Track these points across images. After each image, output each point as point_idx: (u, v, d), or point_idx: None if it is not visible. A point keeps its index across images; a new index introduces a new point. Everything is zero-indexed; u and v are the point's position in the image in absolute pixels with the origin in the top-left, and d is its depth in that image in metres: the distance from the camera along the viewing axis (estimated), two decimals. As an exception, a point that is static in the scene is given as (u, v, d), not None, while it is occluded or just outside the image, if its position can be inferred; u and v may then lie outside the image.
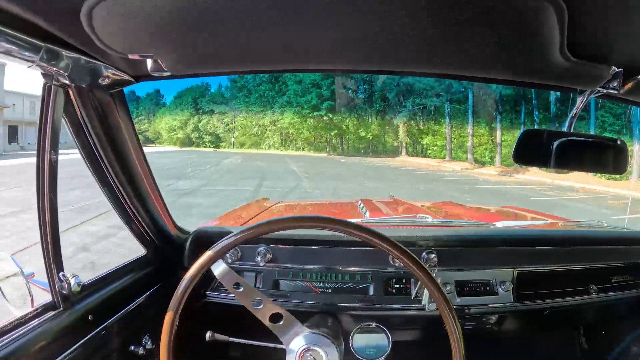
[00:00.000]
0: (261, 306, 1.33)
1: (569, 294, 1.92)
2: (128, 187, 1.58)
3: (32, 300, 1.32)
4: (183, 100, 40.67)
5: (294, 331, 1.35)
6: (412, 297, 1.78)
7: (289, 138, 40.24)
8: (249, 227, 1.28)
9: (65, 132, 1.33)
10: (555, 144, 1.36)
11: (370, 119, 36.41)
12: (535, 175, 21.28)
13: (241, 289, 1.33)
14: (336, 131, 37.59)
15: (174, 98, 42.29)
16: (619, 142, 1.41)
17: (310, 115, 36.93)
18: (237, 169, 23.51)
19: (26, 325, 1.20)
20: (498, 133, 28.75)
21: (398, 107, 34.36)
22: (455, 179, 22.37)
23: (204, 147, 39.91)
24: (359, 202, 3.02)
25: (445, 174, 24.81)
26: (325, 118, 36.66)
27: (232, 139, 40.80)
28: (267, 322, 1.33)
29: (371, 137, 36.95)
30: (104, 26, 0.95)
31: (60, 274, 1.30)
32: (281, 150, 38.81)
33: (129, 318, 1.56)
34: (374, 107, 36.01)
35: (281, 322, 1.33)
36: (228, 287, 1.32)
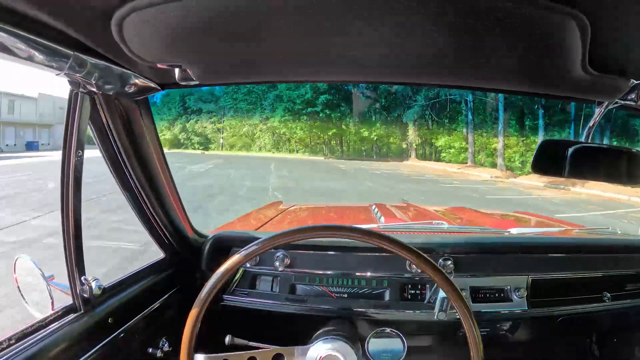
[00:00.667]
0: None
1: (583, 302, 1.91)
2: (149, 192, 1.61)
3: (52, 303, 1.34)
4: (170, 98, 38.84)
5: (301, 354, 1.36)
6: (425, 302, 1.79)
7: (281, 139, 37.77)
8: (280, 234, 1.30)
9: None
10: (570, 152, 1.37)
11: (374, 117, 32.98)
12: (596, 188, 16.54)
13: None
14: (334, 130, 34.69)
15: (162, 96, 39.92)
16: (634, 151, 1.42)
17: (304, 111, 34.13)
18: (196, 178, 18.32)
19: (47, 328, 1.21)
20: (540, 133, 23.95)
21: (408, 102, 30.80)
22: (508, 197, 16.56)
23: (193, 149, 38.11)
24: (373, 206, 3.02)
25: (482, 186, 19.82)
26: (321, 115, 33.35)
27: (221, 140, 39.04)
28: None
29: (375, 138, 33.95)
30: (134, 36, 0.96)
31: (82, 278, 1.32)
32: (273, 152, 36.42)
33: (147, 321, 1.58)
34: (378, 102, 32.49)
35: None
36: None
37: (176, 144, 38.22)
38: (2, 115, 33.88)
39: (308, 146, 37.42)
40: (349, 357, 1.35)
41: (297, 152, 37.06)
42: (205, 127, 38.91)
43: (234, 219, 3.00)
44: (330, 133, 34.81)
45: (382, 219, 2.53)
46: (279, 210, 3.24)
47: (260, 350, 1.31)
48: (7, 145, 33.42)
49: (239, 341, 1.46)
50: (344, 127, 34.73)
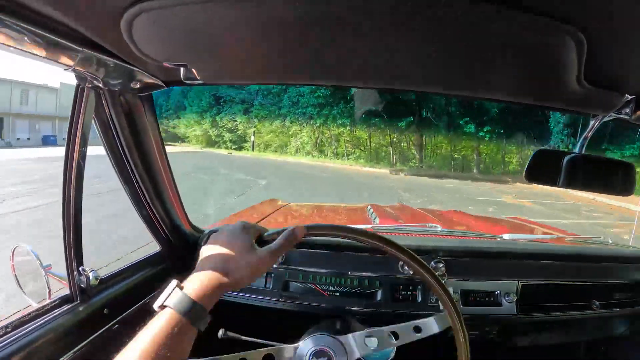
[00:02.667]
0: None
1: (572, 309, 1.94)
2: (149, 186, 1.63)
3: (49, 292, 1.36)
4: (202, 87, 32.11)
5: (291, 351, 1.38)
6: (419, 302, 1.82)
7: (324, 136, 29.73)
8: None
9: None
10: (564, 162, 1.39)
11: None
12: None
13: None
14: (411, 125, 24.35)
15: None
16: (627, 163, 1.44)
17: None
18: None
19: (43, 317, 1.23)
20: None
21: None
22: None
23: (225, 147, 32.91)
24: (369, 207, 3.05)
25: None
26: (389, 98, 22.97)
27: (252, 138, 32.88)
28: None
29: (487, 138, 23.40)
30: (143, 35, 0.97)
31: (80, 268, 1.33)
32: (311, 157, 29.04)
33: (142, 313, 1.59)
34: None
35: None
36: None
37: (209, 141, 34.61)
38: (13, 107, 32.95)
39: (366, 149, 29.06)
40: (339, 353, 1.36)
41: (348, 157, 28.74)
42: (238, 121, 33.11)
43: (230, 216, 3.01)
44: (404, 129, 24.89)
45: (377, 219, 2.55)
46: (275, 207, 3.26)
47: (250, 352, 1.33)
48: (19, 139, 32.38)
49: (232, 335, 1.48)
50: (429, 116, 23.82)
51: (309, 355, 1.36)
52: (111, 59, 1.13)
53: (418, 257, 1.27)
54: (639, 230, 4.37)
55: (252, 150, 32.68)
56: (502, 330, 2.01)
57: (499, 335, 2.02)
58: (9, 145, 31.32)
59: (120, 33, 0.95)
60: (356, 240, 1.24)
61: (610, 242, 2.35)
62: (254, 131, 33.08)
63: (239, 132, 33.79)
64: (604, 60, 0.99)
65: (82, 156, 1.26)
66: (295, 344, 1.40)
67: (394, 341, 1.35)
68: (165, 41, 1.03)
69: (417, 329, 1.34)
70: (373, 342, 1.36)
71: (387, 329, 1.36)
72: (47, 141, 34.84)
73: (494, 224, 3.05)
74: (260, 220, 2.62)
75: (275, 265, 1.80)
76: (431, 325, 1.34)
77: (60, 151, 1.30)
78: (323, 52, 1.09)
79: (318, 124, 29.08)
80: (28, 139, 33.96)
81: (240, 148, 33.14)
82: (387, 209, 3.11)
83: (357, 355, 1.37)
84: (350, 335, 1.38)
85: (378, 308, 1.81)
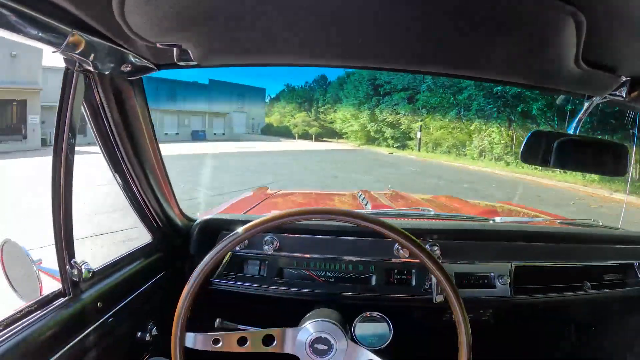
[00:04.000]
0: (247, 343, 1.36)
1: (564, 290, 1.97)
2: (140, 174, 1.60)
3: (41, 287, 1.34)
4: (359, 76, 28.56)
5: (292, 336, 1.39)
6: (413, 286, 1.83)
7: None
8: (272, 216, 1.31)
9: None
10: (556, 143, 1.40)
11: None
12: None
13: (220, 344, 1.34)
14: None
15: (349, 74, 30.11)
16: (619, 144, 1.45)
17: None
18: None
19: (36, 313, 1.21)
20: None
21: None
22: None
23: (385, 145, 27.59)
24: (359, 193, 3.05)
25: None
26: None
27: (418, 135, 25.59)
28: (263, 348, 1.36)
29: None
30: (135, 15, 0.95)
31: (72, 261, 1.31)
32: (504, 164, 20.08)
33: (135, 305, 1.58)
34: None
35: (275, 343, 1.38)
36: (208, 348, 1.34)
37: (368, 138, 29.31)
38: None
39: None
40: (340, 340, 1.37)
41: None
42: (399, 115, 26.83)
43: (221, 205, 3.00)
44: None
45: (369, 205, 2.55)
46: (266, 195, 3.25)
47: (251, 330, 1.33)
48: (167, 134, 31.23)
49: (228, 324, 1.48)
50: None
51: (309, 341, 1.37)
52: (102, 41, 1.11)
53: (416, 239, 1.28)
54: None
55: (419, 149, 26.11)
56: (496, 313, 2.02)
57: (494, 317, 2.03)
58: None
59: (112, 12, 0.93)
60: (354, 224, 1.24)
61: (601, 224, 2.37)
62: (420, 126, 26.03)
63: (402, 127, 27.21)
64: (603, 42, 1.00)
65: (72, 144, 1.23)
66: (296, 328, 1.40)
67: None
68: (157, 20, 1.00)
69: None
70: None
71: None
72: (197, 136, 33.73)
73: (486, 208, 3.06)
74: (252, 208, 2.61)
75: (269, 252, 1.79)
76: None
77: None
78: (327, 29, 1.08)
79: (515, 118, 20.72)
80: (177, 133, 32.67)
81: (403, 147, 27.32)
82: (378, 195, 3.11)
83: (358, 342, 1.38)
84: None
85: (373, 292, 1.81)
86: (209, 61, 1.31)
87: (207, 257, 1.31)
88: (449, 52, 1.18)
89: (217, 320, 1.47)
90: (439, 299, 1.66)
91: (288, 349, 1.38)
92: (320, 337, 1.37)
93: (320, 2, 0.90)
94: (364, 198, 2.85)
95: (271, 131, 38.89)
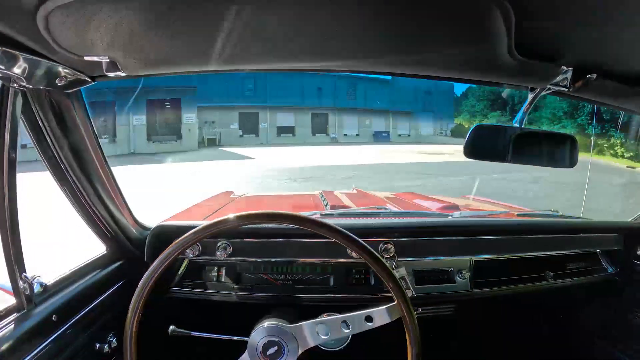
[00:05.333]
0: None
1: (526, 281, 1.99)
2: (87, 185, 1.58)
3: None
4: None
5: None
6: (372, 286, 1.83)
7: None
8: (207, 225, 1.32)
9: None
10: (511, 137, 1.42)
11: None
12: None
13: None
14: None
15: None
16: (569, 135, 1.48)
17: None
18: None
19: None
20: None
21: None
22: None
23: (612, 154, 19.60)
24: (320, 193, 3.05)
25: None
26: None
27: None
28: None
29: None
30: (60, 29, 0.95)
31: (23, 275, 1.30)
32: None
33: (93, 316, 1.57)
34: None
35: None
36: None
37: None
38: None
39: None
40: (290, 342, 1.37)
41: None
42: None
43: (182, 210, 2.98)
44: None
45: (328, 205, 2.56)
46: (228, 200, 3.24)
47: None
48: (346, 134, 30.29)
49: (181, 331, 1.48)
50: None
51: (260, 347, 1.37)
52: (33, 57, 1.10)
53: (356, 237, 1.29)
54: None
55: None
56: (458, 307, 2.04)
57: (456, 312, 2.05)
58: (335, 142, 29.91)
59: (38, 29, 0.93)
60: (296, 226, 1.26)
61: (560, 214, 2.40)
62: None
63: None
64: (535, 31, 1.01)
65: (13, 159, 1.22)
66: (246, 337, 1.41)
67: (346, 330, 1.36)
68: (81, 34, 1.00)
69: (369, 319, 1.36)
70: (324, 330, 1.38)
71: (338, 318, 1.37)
72: (379, 138, 30.94)
73: (447, 203, 3.10)
74: (213, 214, 2.59)
75: (224, 257, 1.78)
76: (382, 315, 1.35)
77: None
78: (257, 33, 1.07)
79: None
80: (357, 134, 31.13)
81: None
82: (339, 195, 3.12)
83: (310, 344, 1.38)
84: (301, 324, 1.39)
85: (331, 294, 1.81)
86: (138, 71, 1.30)
87: (151, 267, 1.31)
88: (379, 49, 1.18)
89: (170, 327, 1.47)
90: (408, 293, 1.68)
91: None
92: (271, 340, 1.38)
93: (242, 7, 0.90)
94: (324, 198, 2.85)
95: (462, 133, 29.56)
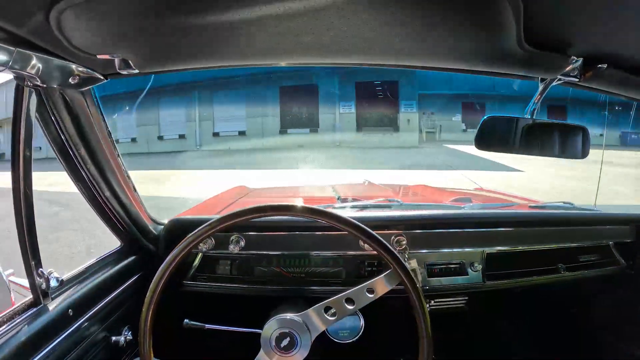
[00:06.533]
0: None
1: (538, 273, 1.97)
2: (101, 182, 1.61)
3: (12, 298, 1.35)
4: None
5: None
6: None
7: None
8: (220, 217, 1.33)
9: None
10: (522, 128, 1.41)
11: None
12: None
13: None
14: None
15: None
16: (580, 126, 1.47)
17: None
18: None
19: (7, 323, 1.23)
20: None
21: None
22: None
23: None
24: (332, 186, 3.05)
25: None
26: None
27: None
28: None
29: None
30: (73, 29, 0.97)
31: (39, 270, 1.33)
32: None
33: (108, 311, 1.59)
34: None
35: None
36: None
37: None
38: None
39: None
40: (301, 331, 1.38)
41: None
42: None
43: (196, 205, 3.00)
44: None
45: (340, 198, 2.56)
46: (241, 194, 3.25)
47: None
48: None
49: (195, 324, 1.50)
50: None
51: (273, 339, 1.38)
52: (46, 56, 1.12)
53: (367, 228, 1.29)
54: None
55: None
56: (470, 300, 2.04)
57: (468, 305, 2.05)
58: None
59: (51, 29, 0.95)
60: (308, 218, 1.27)
61: (574, 205, 2.37)
62: None
63: None
64: (545, 22, 1.00)
65: (28, 157, 1.24)
66: (259, 329, 1.42)
67: (351, 307, 1.37)
68: (94, 33, 1.02)
69: (370, 291, 1.36)
70: (331, 312, 1.39)
71: (341, 296, 1.37)
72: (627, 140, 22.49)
73: (458, 195, 3.09)
74: (225, 208, 2.61)
75: (237, 251, 1.79)
76: (382, 284, 1.36)
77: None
78: (267, 29, 1.07)
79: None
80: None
81: None
82: (350, 187, 3.12)
83: (320, 329, 1.39)
84: (308, 311, 1.39)
85: (344, 286, 1.78)
86: (150, 68, 1.31)
87: (166, 260, 1.32)
88: (391, 43, 1.17)
89: (185, 320, 1.49)
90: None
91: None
92: (284, 332, 1.38)
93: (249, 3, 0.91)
94: (335, 191, 2.84)
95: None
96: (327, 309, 1.38)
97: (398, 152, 18.97)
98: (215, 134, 23.22)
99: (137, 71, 1.28)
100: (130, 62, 1.21)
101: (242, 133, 22.62)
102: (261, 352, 1.40)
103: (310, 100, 21.57)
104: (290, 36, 1.10)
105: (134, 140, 23.27)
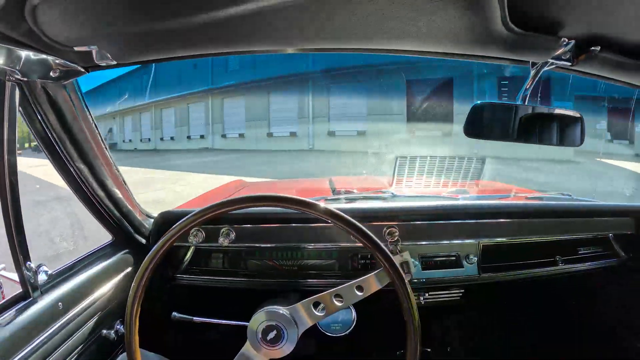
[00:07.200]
0: None
1: (535, 266, 1.96)
2: (89, 176, 1.60)
3: (2, 292, 1.35)
4: None
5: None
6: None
7: None
8: (205, 207, 1.31)
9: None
10: (519, 116, 1.38)
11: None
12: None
13: None
14: None
15: None
16: (575, 114, 1.45)
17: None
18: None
19: None
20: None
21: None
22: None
23: None
24: (330, 179, 3.05)
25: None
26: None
27: None
28: None
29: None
30: (49, 21, 0.97)
31: (27, 264, 1.33)
32: None
33: (99, 304, 1.59)
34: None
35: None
36: None
37: None
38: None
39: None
40: (288, 325, 1.37)
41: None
42: None
43: (192, 199, 3.00)
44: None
45: (335, 190, 2.55)
46: (237, 188, 3.25)
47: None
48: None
49: (183, 317, 1.50)
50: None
51: (259, 332, 1.37)
52: (24, 50, 1.12)
53: (352, 220, 1.28)
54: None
55: None
56: (466, 293, 2.03)
57: (464, 297, 2.04)
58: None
59: (27, 23, 0.95)
60: (295, 210, 1.26)
61: (572, 196, 2.34)
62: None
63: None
64: (530, 1, 0.98)
65: (13, 150, 1.25)
66: (247, 322, 1.40)
67: (340, 304, 1.35)
68: (70, 24, 1.02)
69: (359, 288, 1.35)
70: (320, 307, 1.38)
71: (331, 292, 1.36)
72: None
73: (455, 187, 3.08)
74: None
75: (227, 244, 1.77)
76: (372, 283, 1.35)
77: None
78: (245, 14, 1.05)
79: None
80: None
81: None
82: (347, 180, 3.12)
83: (308, 324, 1.37)
84: (296, 305, 1.38)
85: (337, 279, 1.81)
86: (128, 59, 1.30)
87: (151, 251, 1.31)
88: (377, 27, 1.15)
89: (173, 313, 1.49)
90: (406, 277, 1.67)
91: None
92: (270, 325, 1.37)
93: None
94: (332, 183, 2.84)
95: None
96: (315, 304, 1.37)
97: (553, 166, 14.76)
98: (331, 133, 22.52)
99: (114, 62, 1.27)
100: (107, 53, 1.21)
101: (360, 133, 21.69)
102: (247, 344, 1.39)
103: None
104: (265, 22, 1.09)
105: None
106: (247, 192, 2.69)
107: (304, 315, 1.37)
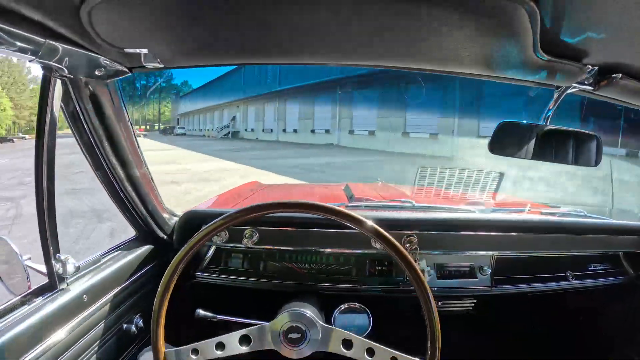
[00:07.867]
0: (225, 347, 1.37)
1: (546, 280, 1.97)
2: (120, 172, 1.64)
3: (29, 282, 1.38)
4: None
5: (266, 330, 1.39)
6: (394, 277, 1.85)
7: None
8: (235, 212, 1.33)
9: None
10: (536, 135, 1.41)
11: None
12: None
13: (198, 355, 1.35)
14: None
15: None
16: (593, 134, 1.47)
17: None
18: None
19: (23, 307, 1.27)
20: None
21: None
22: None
23: None
24: (346, 185, 3.07)
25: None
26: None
27: None
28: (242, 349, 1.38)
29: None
30: (102, 23, 1.00)
31: (57, 255, 1.37)
32: None
33: (121, 298, 1.63)
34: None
35: (252, 343, 1.38)
36: None
37: None
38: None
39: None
40: (312, 328, 1.38)
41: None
42: None
43: (210, 199, 3.03)
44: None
45: (353, 197, 2.57)
46: (255, 189, 3.28)
47: (226, 335, 1.36)
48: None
49: (207, 314, 1.53)
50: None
51: (282, 332, 1.38)
52: (74, 48, 1.15)
53: (380, 228, 1.30)
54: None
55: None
56: (478, 304, 2.05)
57: (476, 308, 2.06)
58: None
59: (81, 22, 0.99)
60: (322, 216, 1.28)
61: (585, 213, 2.33)
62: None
63: None
64: (560, 30, 1.01)
65: (52, 146, 1.28)
66: (269, 322, 1.41)
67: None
68: (123, 27, 1.06)
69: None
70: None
71: (368, 344, 1.38)
72: None
73: (471, 199, 3.09)
74: (239, 202, 2.63)
75: (250, 245, 1.81)
76: None
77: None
78: (290, 27, 1.09)
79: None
80: None
81: None
82: (364, 188, 3.13)
83: (329, 349, 1.37)
84: (334, 329, 1.39)
85: (354, 284, 1.84)
86: (175, 63, 1.35)
87: (180, 251, 1.33)
88: (412, 47, 1.19)
89: (197, 310, 1.52)
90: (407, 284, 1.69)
91: (266, 345, 1.39)
92: (292, 326, 1.38)
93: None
94: (349, 190, 2.84)
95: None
96: (349, 342, 1.38)
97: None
98: (405, 134, 22.82)
99: (162, 65, 1.31)
100: (156, 56, 1.25)
101: (433, 135, 21.93)
102: (267, 335, 1.40)
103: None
104: (313, 34, 1.13)
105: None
106: (261, 195, 2.71)
107: (332, 341, 1.38)
